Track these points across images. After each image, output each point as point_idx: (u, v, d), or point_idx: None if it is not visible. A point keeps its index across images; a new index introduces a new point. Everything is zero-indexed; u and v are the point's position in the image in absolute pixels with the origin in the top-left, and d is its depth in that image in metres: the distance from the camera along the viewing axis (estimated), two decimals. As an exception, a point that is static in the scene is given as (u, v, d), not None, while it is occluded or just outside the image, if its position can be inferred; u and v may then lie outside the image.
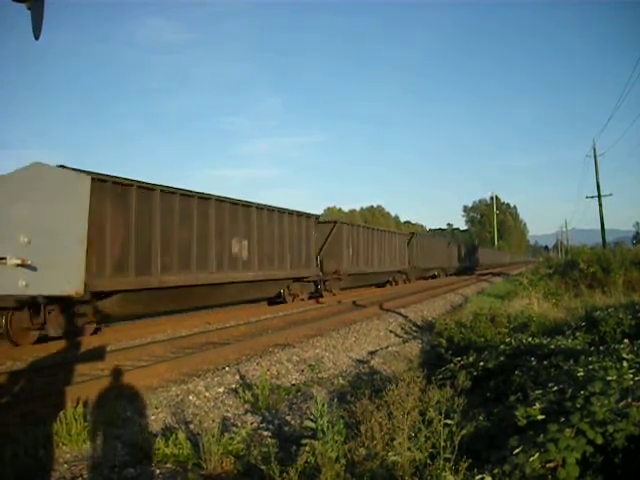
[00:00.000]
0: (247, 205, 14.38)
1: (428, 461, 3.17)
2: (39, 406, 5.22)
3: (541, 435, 2.75)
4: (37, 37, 2.03)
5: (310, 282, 18.57)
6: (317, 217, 19.04)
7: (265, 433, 4.57)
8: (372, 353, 8.65)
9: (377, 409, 3.71)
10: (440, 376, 5.22)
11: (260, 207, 14.95)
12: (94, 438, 4.34)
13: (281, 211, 16.27)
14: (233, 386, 6.25)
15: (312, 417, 3.66)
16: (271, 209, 15.70)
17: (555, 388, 3.49)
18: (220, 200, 13.10)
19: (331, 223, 21.38)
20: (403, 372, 5.66)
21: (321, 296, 19.57)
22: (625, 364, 3.70)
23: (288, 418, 5.02)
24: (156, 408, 5.25)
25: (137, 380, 6.29)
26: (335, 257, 20.39)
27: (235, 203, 13.79)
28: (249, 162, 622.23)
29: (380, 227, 30.92)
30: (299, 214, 17.44)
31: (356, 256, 22.18)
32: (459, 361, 5.67)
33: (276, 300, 17.05)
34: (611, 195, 32.70)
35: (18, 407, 5.31)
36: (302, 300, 17.88)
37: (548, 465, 2.61)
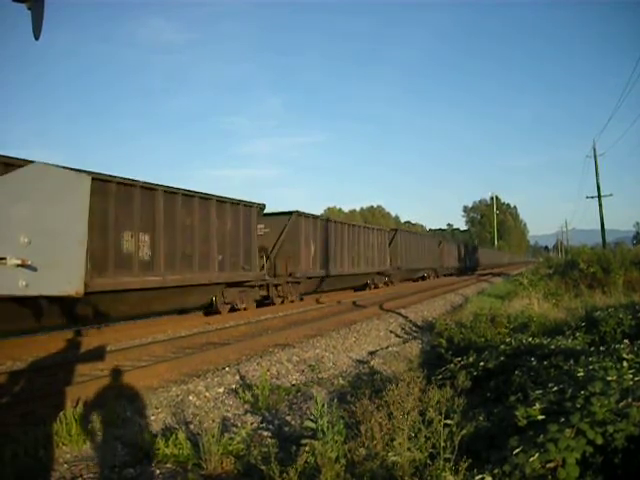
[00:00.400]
0: (149, 188, 10.79)
1: (428, 461, 3.17)
2: (39, 406, 5.22)
3: (541, 435, 2.75)
4: (37, 37, 2.03)
5: (255, 287, 15.02)
6: (261, 206, 15.11)
7: (265, 433, 4.57)
8: (372, 353, 8.65)
9: (377, 409, 3.71)
10: (440, 376, 5.22)
11: (171, 191, 11.38)
12: (94, 438, 4.34)
13: (205, 197, 12.51)
14: (233, 386, 6.25)
15: (312, 417, 3.66)
16: (189, 194, 11.91)
17: (555, 388, 3.49)
18: (101, 180, 9.51)
19: (285, 215, 17.37)
20: (403, 372, 5.66)
21: (273, 304, 16.16)
22: (625, 364, 3.69)
23: (288, 418, 5.02)
24: (156, 408, 5.25)
25: (137, 380, 6.29)
26: (291, 257, 16.93)
27: (128, 184, 10.14)
28: (249, 162, 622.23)
29: (353, 222, 25.93)
30: (234, 202, 13.71)
31: (321, 255, 18.77)
32: (459, 361, 5.67)
33: (210, 311, 13.77)
34: (611, 195, 32.90)
35: (18, 407, 5.30)
36: (245, 310, 14.32)
37: (548, 465, 2.61)
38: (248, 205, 14.46)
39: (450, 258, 42.15)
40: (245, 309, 14.40)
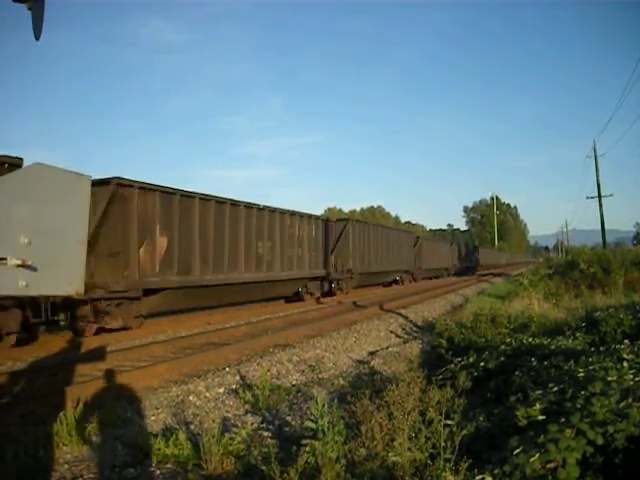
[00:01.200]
0: None
1: (428, 461, 3.17)
2: (39, 406, 5.22)
3: (541, 435, 2.75)
4: (37, 37, 2.03)
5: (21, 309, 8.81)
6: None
7: (265, 433, 4.57)
8: (372, 353, 8.65)
9: (377, 409, 3.71)
10: (440, 376, 5.21)
11: None
12: (94, 438, 4.33)
13: None
14: (233, 386, 6.25)
15: (312, 417, 3.66)
16: None
17: (555, 388, 3.49)
18: None
19: (102, 186, 10.15)
20: (403, 372, 5.65)
21: (81, 334, 10.07)
22: (625, 364, 3.69)
23: (288, 418, 5.01)
24: (156, 409, 5.25)
25: (137, 380, 6.29)
26: (114, 255, 10.54)
27: None
28: (249, 162, 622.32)
29: (258, 204, 15.18)
30: None
31: (184, 253, 11.93)
32: (459, 361, 5.67)
33: None
34: (611, 196, 33.02)
35: (18, 407, 5.31)
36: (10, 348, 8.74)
37: (548, 465, 2.61)
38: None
39: (432, 258, 36.48)
40: (12, 346, 8.80)
